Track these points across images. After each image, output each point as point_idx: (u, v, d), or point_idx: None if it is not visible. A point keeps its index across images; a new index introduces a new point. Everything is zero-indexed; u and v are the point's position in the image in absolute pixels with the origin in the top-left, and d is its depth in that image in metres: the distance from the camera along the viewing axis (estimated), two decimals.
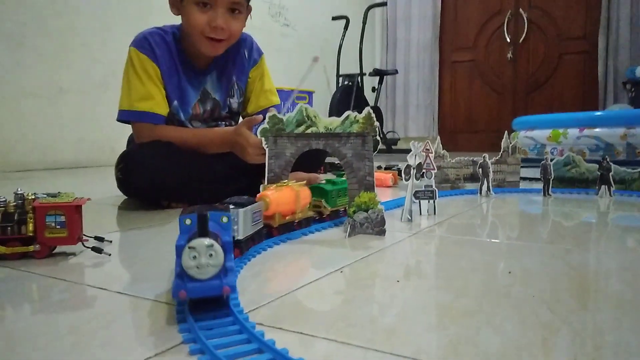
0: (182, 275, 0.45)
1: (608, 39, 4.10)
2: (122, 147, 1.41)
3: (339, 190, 0.97)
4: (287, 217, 0.83)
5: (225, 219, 0.52)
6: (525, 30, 4.51)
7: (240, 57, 1.39)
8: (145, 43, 1.25)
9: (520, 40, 4.55)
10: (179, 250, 0.45)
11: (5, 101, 2.30)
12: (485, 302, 0.53)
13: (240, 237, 0.67)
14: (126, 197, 1.30)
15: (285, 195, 0.82)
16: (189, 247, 0.44)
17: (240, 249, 0.68)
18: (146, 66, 1.24)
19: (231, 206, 0.67)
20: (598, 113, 3.21)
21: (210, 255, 0.44)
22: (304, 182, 0.91)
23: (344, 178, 0.98)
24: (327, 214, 0.95)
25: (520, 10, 4.51)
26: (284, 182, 0.86)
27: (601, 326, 0.47)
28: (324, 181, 0.98)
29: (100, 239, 0.78)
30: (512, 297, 0.55)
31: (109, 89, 2.64)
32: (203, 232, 0.45)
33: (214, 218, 0.52)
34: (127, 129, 1.36)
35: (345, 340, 0.43)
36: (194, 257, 0.44)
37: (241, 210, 0.66)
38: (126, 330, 0.46)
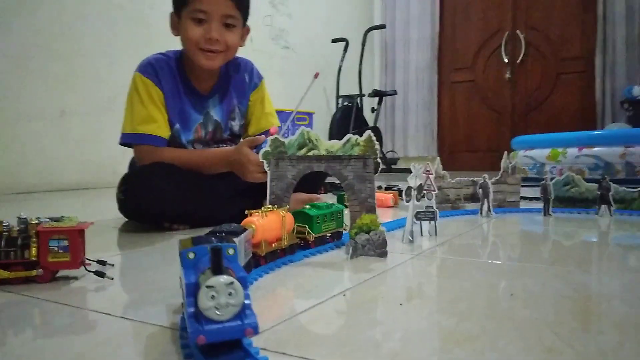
0: (197, 316, 0.40)
1: (605, 58, 4.15)
2: (124, 169, 1.42)
3: (324, 215, 0.92)
4: (273, 245, 0.79)
5: (231, 251, 0.47)
6: (523, 50, 4.56)
7: (240, 81, 1.42)
8: (149, 68, 1.27)
9: (518, 61, 4.60)
10: (191, 288, 0.41)
11: (9, 123, 2.32)
12: (488, 325, 0.53)
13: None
14: (127, 220, 1.30)
15: (271, 221, 0.78)
16: (207, 287, 0.40)
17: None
18: (150, 90, 1.26)
19: (221, 233, 0.62)
20: (597, 132, 3.23)
21: (230, 293, 0.40)
22: (287, 207, 0.86)
23: (330, 202, 0.98)
24: (311, 240, 0.90)
25: (517, 31, 4.58)
26: (268, 208, 0.81)
27: (604, 349, 0.47)
28: (307, 206, 0.93)
29: (102, 263, 0.78)
30: (515, 320, 0.55)
31: (112, 112, 2.65)
32: (218, 268, 0.41)
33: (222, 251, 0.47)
34: (130, 152, 1.37)
35: None
36: (212, 297, 0.39)
37: (237, 239, 0.60)
38: (132, 356, 0.46)
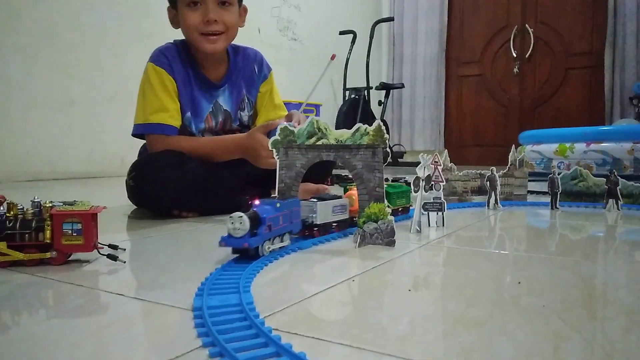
0: (228, 234, 0.70)
1: (614, 54, 4.12)
2: (131, 158, 1.43)
3: (399, 192, 1.17)
4: None
5: (278, 205, 0.78)
6: (532, 45, 4.53)
7: (250, 71, 1.43)
8: (162, 57, 1.28)
9: (527, 55, 4.58)
10: None
11: (17, 112, 2.33)
12: (496, 311, 0.54)
13: (317, 222, 0.90)
14: (136, 207, 1.32)
15: None
16: (230, 217, 0.70)
17: (319, 231, 0.91)
18: (164, 79, 1.26)
19: (314, 199, 0.91)
20: (605, 127, 3.21)
21: (240, 222, 0.69)
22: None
23: (399, 184, 1.05)
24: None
25: (527, 25, 4.54)
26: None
27: (611, 335, 0.48)
28: (386, 185, 1.11)
29: (114, 247, 0.79)
30: (523, 307, 0.56)
31: (119, 102, 2.67)
32: (246, 209, 0.72)
33: (272, 203, 0.77)
34: (137, 141, 1.38)
35: (360, 346, 0.43)
36: (232, 223, 0.70)
37: (318, 202, 0.90)
38: (146, 334, 0.47)
